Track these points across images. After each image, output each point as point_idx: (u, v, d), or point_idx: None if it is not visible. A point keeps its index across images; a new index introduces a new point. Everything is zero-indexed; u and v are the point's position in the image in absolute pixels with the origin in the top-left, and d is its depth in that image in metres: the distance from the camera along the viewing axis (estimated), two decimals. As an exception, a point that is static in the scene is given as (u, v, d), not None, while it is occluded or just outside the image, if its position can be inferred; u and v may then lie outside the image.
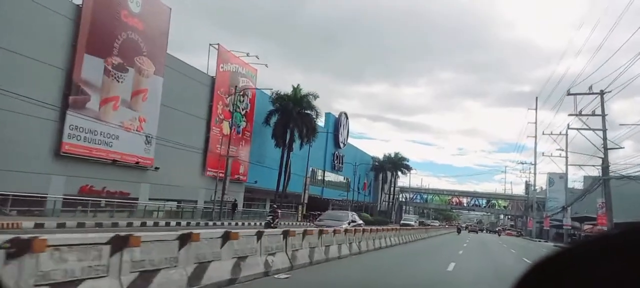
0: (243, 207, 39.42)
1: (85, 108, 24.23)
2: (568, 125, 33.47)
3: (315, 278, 8.76)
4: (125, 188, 26.78)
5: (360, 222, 19.68)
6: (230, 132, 33.79)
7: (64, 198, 22.40)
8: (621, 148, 33.58)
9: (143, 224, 20.46)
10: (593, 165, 35.86)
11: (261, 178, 41.82)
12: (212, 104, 35.41)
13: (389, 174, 78.06)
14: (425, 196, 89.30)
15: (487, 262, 17.78)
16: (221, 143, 33.84)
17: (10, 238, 3.63)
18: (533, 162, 65.74)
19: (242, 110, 39.83)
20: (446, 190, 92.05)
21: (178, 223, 23.86)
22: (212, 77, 35.63)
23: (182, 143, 30.12)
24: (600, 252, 0.70)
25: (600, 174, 33.81)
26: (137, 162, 27.18)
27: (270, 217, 24.56)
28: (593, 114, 31.80)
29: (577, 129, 32.75)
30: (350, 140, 68.05)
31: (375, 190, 79.16)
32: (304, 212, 49.98)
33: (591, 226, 48.28)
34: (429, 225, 60.19)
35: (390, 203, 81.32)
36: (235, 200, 35.53)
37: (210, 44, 36.36)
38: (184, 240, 5.43)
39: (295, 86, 43.68)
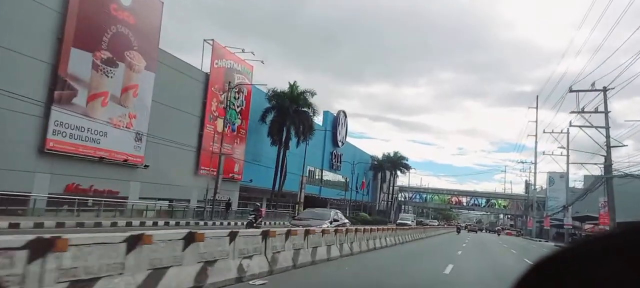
0: (238, 207, 38.64)
1: (71, 103, 23.44)
2: (570, 122, 32.69)
3: (295, 284, 8.00)
4: (114, 187, 26.00)
5: (345, 221, 17.91)
6: (223, 129, 32.98)
7: (49, 197, 21.61)
8: (624, 146, 32.79)
9: (128, 224, 19.69)
10: (595, 163, 35.20)
11: (257, 177, 41.06)
12: (206, 100, 34.62)
13: (387, 173, 77.34)
14: (425, 195, 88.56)
15: (486, 263, 17.03)
16: (215, 141, 33.07)
17: None
18: (533, 161, 65.08)
19: (238, 107, 39.04)
20: (446, 189, 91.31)
21: (167, 223, 23.11)
22: (206, 73, 34.83)
23: (175, 140, 29.33)
24: (601, 252, 0.69)
25: (603, 173, 33.12)
26: (126, 160, 26.36)
27: (253, 216, 22.57)
28: (596, 111, 31.07)
29: (580, 126, 32.02)
30: (350, 140, 67.37)
31: (374, 189, 78.42)
32: (301, 211, 49.34)
33: (592, 225, 47.58)
34: (427, 224, 59.43)
35: (389, 203, 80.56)
36: (229, 199, 34.76)
37: (204, 40, 35.60)
38: (133, 242, 4.67)
39: (292, 83, 42.91)
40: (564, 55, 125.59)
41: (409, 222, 43.51)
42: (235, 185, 39.22)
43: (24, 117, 20.67)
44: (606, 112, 30.98)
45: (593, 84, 31.58)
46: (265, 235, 7.94)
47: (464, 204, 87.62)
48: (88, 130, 24.24)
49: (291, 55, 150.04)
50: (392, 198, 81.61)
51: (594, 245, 0.72)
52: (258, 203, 25.95)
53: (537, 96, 65.41)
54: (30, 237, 3.63)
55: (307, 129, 42.77)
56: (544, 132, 49.78)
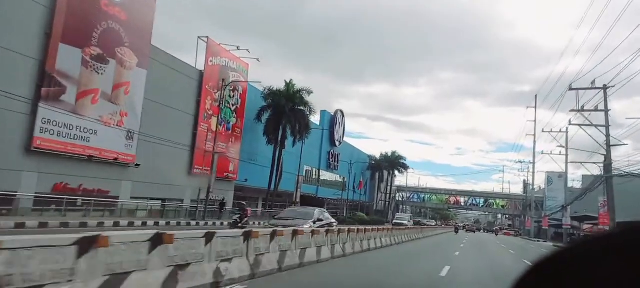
0: (233, 206, 38.07)
1: (60, 101, 22.87)
2: (570, 121, 32.22)
3: (278, 288, 7.48)
4: (105, 187, 25.42)
5: (332, 221, 16.51)
6: (217, 126, 32.39)
7: (36, 197, 21.04)
8: (624, 144, 32.32)
9: (116, 224, 19.15)
10: (594, 163, 34.78)
11: (252, 177, 40.52)
12: (201, 99, 34.06)
13: (385, 173, 76.87)
14: (423, 195, 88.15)
15: (485, 264, 16.53)
16: (209, 140, 32.52)
17: None
18: (532, 161, 64.67)
19: (233, 105, 38.47)
20: (444, 189, 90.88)
21: (156, 223, 22.55)
22: (201, 71, 34.27)
23: (168, 139, 28.80)
24: (600, 252, 0.69)
25: (602, 172, 32.69)
26: (116, 159, 25.78)
27: (238, 215, 21.26)
28: (596, 110, 30.63)
29: (579, 125, 31.58)
30: (348, 140, 66.89)
31: (371, 189, 77.96)
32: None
33: (591, 225, 47.15)
34: (424, 224, 58.94)
35: (387, 203, 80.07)
36: (224, 199, 34.20)
37: (199, 37, 35.04)
38: (86, 245, 4.15)
39: (288, 81, 42.41)
40: (563, 55, 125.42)
41: (405, 222, 42.27)
42: (230, 184, 38.67)
43: (9, 114, 20.09)
44: (606, 110, 30.56)
45: (593, 82, 31.14)
46: (247, 235, 7.40)
47: (462, 204, 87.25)
48: (77, 128, 23.66)
49: (291, 55, 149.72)
50: (389, 198, 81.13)
51: (594, 246, 0.72)
52: (244, 202, 24.51)
53: (536, 95, 64.92)
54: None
55: (304, 128, 42.28)
56: (542, 131, 49.52)
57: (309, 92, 42.12)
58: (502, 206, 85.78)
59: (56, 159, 22.64)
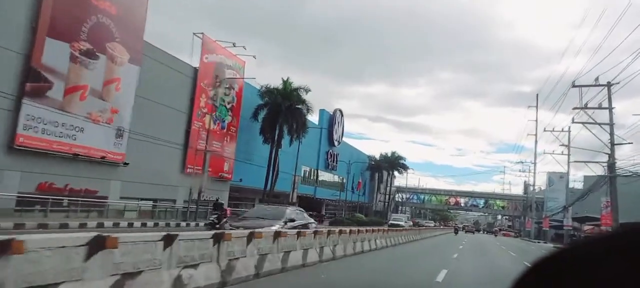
0: (228, 207, 37.30)
1: (46, 97, 22.10)
2: (573, 119, 31.45)
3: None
4: (92, 186, 24.64)
5: (309, 221, 14.33)
6: (209, 124, 31.60)
7: (19, 197, 20.26)
8: (629, 143, 31.54)
9: (100, 225, 18.39)
10: (598, 162, 34.02)
11: (248, 177, 39.76)
12: (195, 96, 33.31)
13: (385, 174, 76.12)
14: (423, 196, 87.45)
15: (485, 267, 15.77)
16: (203, 138, 31.75)
17: None
18: (532, 162, 63.89)
19: (228, 104, 37.70)
20: (443, 190, 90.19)
21: (144, 224, 21.79)
22: (195, 68, 33.51)
23: (160, 137, 28.05)
24: (602, 253, 0.69)
25: (606, 172, 31.94)
26: (103, 157, 25.01)
27: (215, 215, 19.79)
28: (600, 107, 29.85)
29: (583, 123, 30.79)
30: (349, 140, 66.17)
31: (371, 190, 77.25)
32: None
33: (592, 227, 46.37)
34: (423, 225, 58.17)
35: (386, 204, 79.31)
36: (218, 199, 33.39)
37: (193, 33, 34.28)
38: (-4, 251, 3.41)
39: (285, 79, 41.67)
40: (563, 55, 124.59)
41: (402, 223, 40.78)
42: (225, 184, 37.92)
43: (-9, 110, 19.37)
44: (610, 108, 29.77)
45: (597, 79, 30.39)
46: (218, 238, 6.63)
47: (462, 205, 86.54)
48: (63, 126, 22.88)
49: (291, 56, 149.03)
50: (389, 199, 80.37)
51: (595, 246, 0.71)
52: (222, 201, 22.98)
53: (537, 94, 64.16)
54: None
55: (301, 127, 41.51)
56: (544, 130, 48.69)
57: (307, 91, 41.41)
58: (503, 207, 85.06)
59: (41, 158, 21.88)
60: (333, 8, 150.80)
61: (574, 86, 31.21)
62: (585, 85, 30.45)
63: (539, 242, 50.23)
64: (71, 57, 23.17)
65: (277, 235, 8.68)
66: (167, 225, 23.43)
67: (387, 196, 79.89)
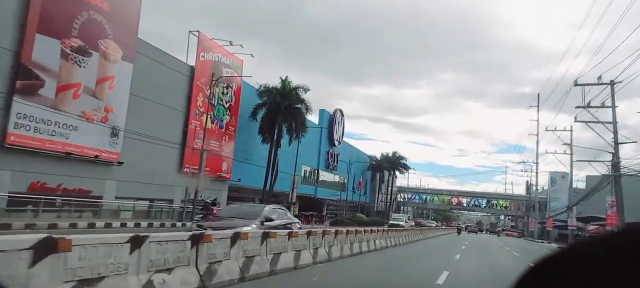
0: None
1: (37, 95, 21.61)
2: (575, 118, 30.78)
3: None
4: (87, 186, 24.14)
5: (292, 221, 12.85)
6: (206, 122, 31.05)
7: (10, 197, 19.75)
8: (634, 142, 30.92)
9: (91, 225, 17.87)
10: (601, 161, 33.40)
11: (247, 177, 39.24)
12: (192, 95, 32.79)
13: (386, 174, 75.51)
14: (424, 196, 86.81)
15: (488, 269, 15.18)
16: (200, 137, 31.19)
17: None
18: (534, 161, 63.21)
19: (226, 103, 37.19)
20: (445, 190, 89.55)
21: (137, 224, 21.26)
22: (192, 66, 33.01)
23: (156, 137, 27.54)
24: (604, 252, 0.69)
25: (610, 171, 31.33)
26: (97, 156, 24.49)
27: (201, 215, 18.89)
28: (603, 106, 29.21)
29: (586, 122, 30.11)
30: (350, 141, 65.58)
31: (372, 190, 76.66)
32: (296, 213, 47.49)
33: (597, 226, 45.68)
34: (424, 225, 57.53)
35: (388, 204, 78.70)
36: (216, 199, 32.86)
37: (190, 31, 33.78)
38: None
39: (284, 78, 41.13)
40: (564, 56, 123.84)
41: (402, 223, 39.57)
42: (224, 184, 37.40)
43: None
44: (614, 107, 29.13)
45: (600, 77, 29.77)
46: (196, 239, 6.07)
47: (464, 205, 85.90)
48: (56, 124, 22.38)
49: (291, 56, 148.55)
50: (390, 199, 79.75)
51: (597, 246, 0.70)
52: (208, 201, 22.17)
53: (539, 94, 63.57)
54: None
55: (300, 126, 40.98)
56: (546, 129, 48.03)
57: (306, 90, 40.89)
58: (505, 207, 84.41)
59: (32, 157, 21.37)
60: (333, 8, 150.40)
61: (576, 85, 30.58)
62: (588, 83, 29.82)
63: (542, 242, 49.58)
64: (62, 54, 22.68)
65: (265, 235, 8.11)
66: (162, 225, 22.93)
67: (388, 196, 79.26)
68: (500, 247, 31.39)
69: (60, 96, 22.84)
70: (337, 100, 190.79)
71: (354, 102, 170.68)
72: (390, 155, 74.75)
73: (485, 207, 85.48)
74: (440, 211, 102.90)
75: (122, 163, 25.78)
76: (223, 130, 36.80)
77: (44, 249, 3.82)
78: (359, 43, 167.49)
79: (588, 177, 57.95)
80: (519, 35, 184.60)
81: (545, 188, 67.31)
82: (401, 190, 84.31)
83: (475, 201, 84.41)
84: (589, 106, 30.23)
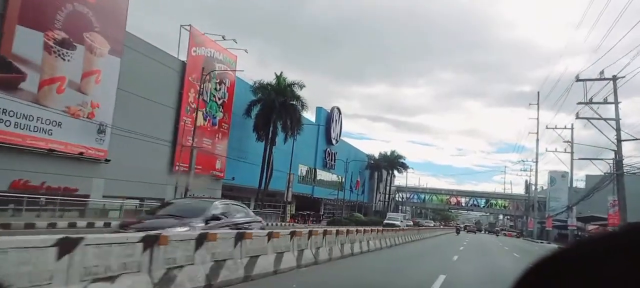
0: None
1: (18, 89, 20.76)
2: (577, 114, 30.02)
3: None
4: (72, 184, 23.27)
5: (254, 219, 10.81)
6: (196, 119, 30.19)
7: (-12, 195, 18.91)
8: (637, 139, 30.12)
9: (71, 225, 17.00)
10: (603, 159, 32.66)
11: (242, 175, 38.39)
12: (183, 91, 31.91)
13: (384, 173, 74.72)
14: (423, 196, 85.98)
15: (488, 271, 14.35)
16: (193, 135, 30.34)
17: None
18: (534, 160, 62.43)
19: (219, 99, 36.32)
20: (444, 189, 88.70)
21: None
22: (183, 61, 32.14)
23: (146, 133, 26.66)
24: (604, 252, 0.69)
25: (612, 169, 30.57)
26: (81, 153, 23.61)
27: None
28: (605, 102, 28.45)
29: (588, 118, 29.39)
30: (349, 140, 64.78)
31: (370, 189, 75.86)
32: (293, 212, 46.64)
33: (597, 226, 44.91)
34: (422, 225, 56.69)
35: (386, 203, 77.87)
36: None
37: (181, 25, 32.92)
38: None
39: (278, 74, 40.30)
40: (563, 55, 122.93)
41: (397, 223, 38.40)
42: (218, 183, 36.57)
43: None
44: (616, 103, 28.39)
45: (602, 73, 29.00)
46: (150, 242, 5.21)
47: (463, 205, 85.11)
48: (38, 120, 21.51)
49: (291, 56, 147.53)
50: (389, 199, 78.95)
51: (597, 245, 0.70)
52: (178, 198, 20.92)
53: (539, 92, 62.77)
54: None
55: (295, 123, 40.16)
56: (546, 127, 47.26)
57: (301, 86, 40.07)
58: (504, 207, 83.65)
59: (13, 153, 20.50)
60: (333, 8, 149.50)
61: (578, 80, 29.87)
62: (590, 79, 29.09)
63: (542, 242, 48.79)
64: (45, 47, 21.81)
65: (240, 237, 7.24)
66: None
67: (386, 195, 78.46)
68: (499, 248, 30.62)
69: (43, 91, 21.99)
70: (336, 100, 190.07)
71: (354, 101, 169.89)
72: (388, 154, 74.02)
73: (484, 206, 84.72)
74: (439, 211, 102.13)
75: (109, 160, 24.91)
76: (216, 127, 35.95)
77: None
78: (359, 43, 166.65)
79: (588, 176, 57.22)
80: (519, 35, 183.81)
81: (545, 187, 66.53)
82: (400, 189, 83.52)
83: (474, 201, 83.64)
84: (591, 102, 29.46)
